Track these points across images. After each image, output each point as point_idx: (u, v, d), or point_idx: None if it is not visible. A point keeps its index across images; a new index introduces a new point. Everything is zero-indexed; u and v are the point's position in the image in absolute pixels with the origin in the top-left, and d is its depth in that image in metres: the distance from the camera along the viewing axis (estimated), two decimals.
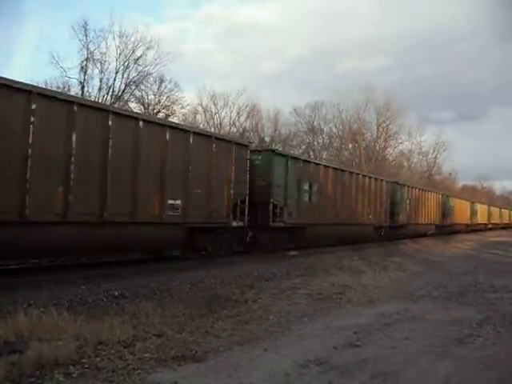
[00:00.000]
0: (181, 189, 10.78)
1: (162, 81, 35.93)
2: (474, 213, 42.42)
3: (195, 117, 44.82)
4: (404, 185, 25.98)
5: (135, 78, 34.71)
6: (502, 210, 62.47)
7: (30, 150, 7.83)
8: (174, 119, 32.83)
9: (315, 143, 52.06)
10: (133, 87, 34.87)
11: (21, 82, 7.90)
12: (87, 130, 8.75)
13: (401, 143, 54.06)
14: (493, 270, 13.40)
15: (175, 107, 37.29)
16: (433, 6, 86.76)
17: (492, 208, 54.12)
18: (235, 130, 46.29)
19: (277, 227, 14.47)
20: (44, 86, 20.43)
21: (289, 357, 4.86)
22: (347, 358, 4.89)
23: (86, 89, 32.70)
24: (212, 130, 41.02)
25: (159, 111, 35.64)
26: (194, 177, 11.10)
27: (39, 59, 63.19)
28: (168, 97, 36.74)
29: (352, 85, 63.65)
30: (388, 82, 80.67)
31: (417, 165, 59.19)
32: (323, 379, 4.27)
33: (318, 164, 17.93)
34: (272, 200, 14.05)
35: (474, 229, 42.36)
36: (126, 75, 34.38)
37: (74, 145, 8.50)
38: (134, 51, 34.36)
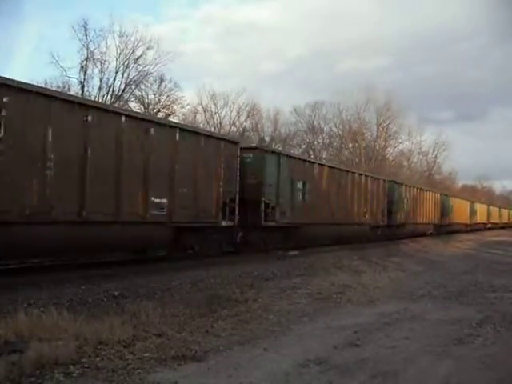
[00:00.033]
0: (166, 187, 10.37)
1: (161, 80, 35.95)
2: (473, 212, 42.36)
3: (195, 116, 44.87)
4: (402, 184, 25.63)
5: (135, 78, 34.74)
6: (502, 209, 62.48)
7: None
8: (174, 119, 32.82)
9: (315, 143, 52.05)
10: (133, 87, 34.89)
11: None
12: (65, 126, 8.29)
13: (401, 143, 54.10)
14: (492, 270, 13.41)
15: (175, 107, 37.32)
16: (433, 5, 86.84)
17: (491, 208, 54.10)
18: (235, 129, 46.29)
19: (269, 227, 14.09)
20: (44, 86, 20.42)
21: (289, 356, 4.87)
22: (347, 357, 4.89)
23: (85, 88, 32.74)
24: (212, 129, 40.99)
25: (159, 111, 35.66)
26: (180, 175, 10.66)
27: (39, 59, 63.41)
28: (168, 96, 36.76)
29: (352, 85, 63.59)
30: (388, 81, 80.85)
31: (417, 164, 59.24)
32: (323, 379, 4.27)
33: (312, 162, 17.45)
34: (264, 199, 13.69)
35: (473, 228, 42.27)
36: (125, 75, 34.41)
37: (50, 140, 8.01)
38: (133, 51, 34.39)
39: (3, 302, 6.25)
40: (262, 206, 13.60)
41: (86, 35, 32.13)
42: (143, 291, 7.79)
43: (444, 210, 32.41)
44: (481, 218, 46.23)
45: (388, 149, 53.01)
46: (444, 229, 32.79)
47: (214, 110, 47.22)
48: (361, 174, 20.84)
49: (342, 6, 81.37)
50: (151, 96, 36.18)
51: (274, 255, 13.94)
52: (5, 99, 7.50)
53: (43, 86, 20.11)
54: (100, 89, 33.54)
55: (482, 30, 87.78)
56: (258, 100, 55.15)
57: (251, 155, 13.90)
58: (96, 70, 33.27)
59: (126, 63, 34.29)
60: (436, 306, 7.91)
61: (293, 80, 77.69)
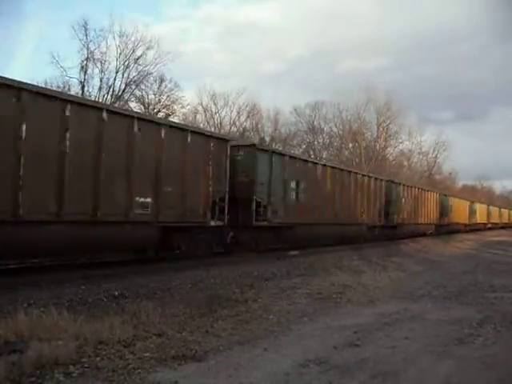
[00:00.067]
0: (151, 186, 10.00)
1: (162, 80, 36.05)
2: (472, 212, 42.26)
3: (195, 116, 44.96)
4: (399, 183, 25.34)
5: (135, 78, 34.83)
6: (502, 209, 62.46)
7: None
8: (174, 119, 32.90)
9: (315, 143, 52.12)
10: (133, 87, 34.99)
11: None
12: (41, 120, 7.95)
13: (401, 143, 54.23)
14: (492, 270, 13.40)
15: (175, 107, 37.44)
16: (433, 5, 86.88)
17: (491, 207, 54.07)
18: (235, 129, 46.33)
19: (260, 226, 13.72)
20: (44, 86, 20.40)
21: (289, 356, 4.86)
22: (347, 357, 4.89)
23: (86, 88, 32.80)
24: (212, 129, 41.03)
25: (159, 111, 35.73)
26: (166, 173, 10.30)
27: (39, 59, 63.32)
28: (168, 96, 36.87)
29: (352, 85, 63.87)
30: (388, 81, 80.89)
31: (417, 164, 59.31)
32: (323, 379, 4.27)
33: (306, 160, 16.99)
34: (255, 197, 13.33)
35: (472, 228, 42.15)
36: (126, 75, 34.50)
37: (24, 135, 7.72)
38: (134, 51, 34.49)
39: (3, 301, 6.25)
40: (254, 204, 13.28)
41: (87, 35, 32.27)
42: (143, 291, 7.80)
43: (443, 210, 32.22)
44: (480, 218, 46.16)
45: (388, 149, 53.15)
46: (443, 229, 32.61)
47: (214, 110, 47.36)
48: (356, 173, 20.50)
49: (342, 6, 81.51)
50: (151, 96, 36.32)
51: (274, 255, 13.93)
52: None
53: (43, 86, 20.07)
54: (100, 89, 33.66)
55: (482, 30, 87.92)
56: (258, 100, 55.46)
57: (242, 153, 13.57)
58: (96, 70, 33.40)
59: (126, 63, 34.41)
60: (436, 305, 7.91)
61: (293, 80, 77.85)
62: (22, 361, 4.13)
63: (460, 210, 37.66)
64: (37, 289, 7.19)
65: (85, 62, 32.50)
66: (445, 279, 11.20)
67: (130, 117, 9.79)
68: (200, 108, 46.48)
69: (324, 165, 18.15)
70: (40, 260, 10.05)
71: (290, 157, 15.71)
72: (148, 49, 34.59)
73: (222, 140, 12.53)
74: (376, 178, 22.33)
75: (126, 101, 34.29)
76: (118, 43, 34.15)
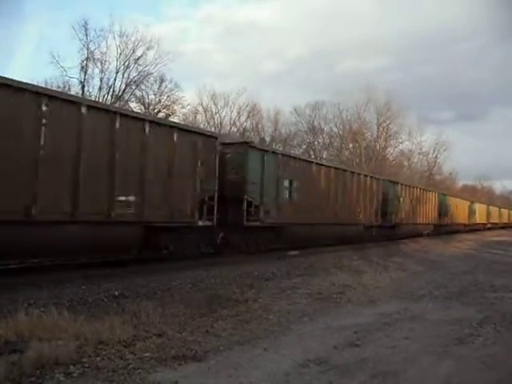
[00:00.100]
0: (135, 184, 9.64)
1: (162, 80, 36.10)
2: (472, 212, 42.14)
3: (195, 116, 45.01)
4: (397, 183, 24.93)
5: (135, 78, 34.89)
6: (502, 209, 62.45)
7: None
8: (174, 119, 32.91)
9: (316, 143, 52.16)
10: (133, 87, 35.05)
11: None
12: (15, 116, 7.67)
13: (401, 143, 54.25)
14: (492, 270, 13.41)
15: (176, 107, 37.49)
16: (433, 5, 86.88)
17: (491, 207, 54.03)
18: (235, 129, 46.37)
19: (252, 226, 13.32)
20: (44, 86, 20.41)
21: (289, 356, 4.86)
22: (347, 357, 4.89)
23: (86, 88, 32.83)
24: (213, 129, 41.02)
25: (160, 111, 35.76)
26: (151, 171, 9.95)
27: (40, 59, 63.37)
28: (168, 96, 36.92)
29: (352, 85, 63.84)
30: (388, 81, 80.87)
31: (417, 164, 59.34)
32: (323, 379, 4.27)
33: (300, 159, 16.55)
34: (246, 197, 12.88)
35: (472, 228, 42.00)
36: (126, 75, 34.56)
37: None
38: (134, 51, 34.56)
39: (3, 301, 6.26)
40: (245, 204, 12.87)
41: (87, 35, 32.34)
42: (143, 291, 7.80)
43: (442, 210, 31.94)
44: (480, 218, 46.05)
45: (388, 149, 53.19)
46: (442, 229, 32.35)
47: (214, 110, 47.40)
48: (353, 173, 20.07)
49: (342, 6, 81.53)
50: (151, 96, 36.38)
51: (274, 255, 13.92)
52: None
53: (43, 85, 20.06)
54: (100, 89, 33.72)
55: (482, 30, 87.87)
56: (258, 100, 55.42)
57: (233, 151, 13.26)
58: (96, 70, 33.47)
59: (126, 63, 34.47)
60: (436, 305, 7.91)
61: (293, 80, 77.86)
62: (22, 361, 4.14)
63: (459, 210, 37.55)
64: (37, 289, 7.20)
65: (85, 62, 32.60)
66: (445, 279, 11.21)
67: (111, 112, 9.45)
68: (200, 108, 46.60)
69: (318, 163, 17.77)
70: (40, 260, 10.05)
71: (283, 155, 15.32)
72: (148, 49, 34.70)
73: (211, 137, 12.11)
74: (372, 177, 21.87)
75: (127, 101, 34.36)
76: (118, 43, 34.26)
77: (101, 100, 30.70)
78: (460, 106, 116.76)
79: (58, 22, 61.37)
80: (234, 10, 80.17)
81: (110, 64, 33.72)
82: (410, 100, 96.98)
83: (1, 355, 4.28)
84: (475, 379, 4.54)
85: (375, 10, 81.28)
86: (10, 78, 7.71)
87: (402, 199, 24.66)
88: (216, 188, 11.78)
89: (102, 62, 33.30)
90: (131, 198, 9.58)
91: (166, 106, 36.78)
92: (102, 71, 33.58)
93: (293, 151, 37.71)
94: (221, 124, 46.72)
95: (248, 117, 48.64)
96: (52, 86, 28.41)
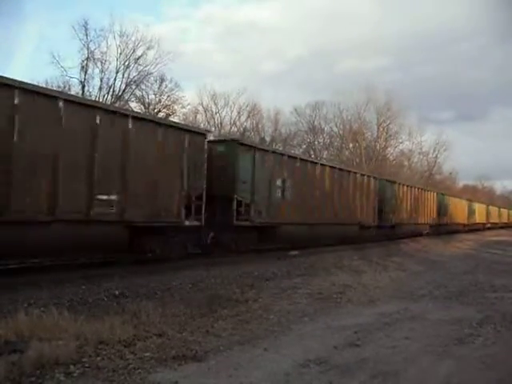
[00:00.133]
0: (117, 182, 9.27)
1: (162, 80, 36.00)
2: (471, 212, 42.07)
3: (196, 116, 44.94)
4: (395, 182, 24.49)
5: (136, 78, 34.83)
6: (501, 209, 62.44)
7: None
8: (174, 118, 32.88)
9: (316, 143, 52.12)
10: (133, 87, 34.98)
11: None
12: None
13: (401, 143, 54.17)
14: (492, 270, 13.42)
15: (176, 107, 37.40)
16: (433, 5, 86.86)
17: (491, 207, 54.00)
18: (236, 129, 46.34)
19: (242, 226, 12.92)
20: (44, 86, 20.35)
21: (289, 356, 4.87)
22: (347, 357, 4.89)
23: (86, 88, 32.82)
24: (213, 129, 41.04)
25: (160, 111, 35.70)
26: (134, 169, 9.56)
27: (40, 59, 63.17)
28: (168, 96, 36.83)
29: (352, 85, 63.98)
30: (388, 81, 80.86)
31: (417, 164, 59.27)
32: (323, 379, 4.27)
33: (293, 157, 15.92)
34: (236, 196, 12.49)
35: (471, 228, 41.87)
36: (126, 75, 34.50)
37: None
38: (134, 51, 34.48)
39: (3, 301, 6.26)
40: (235, 203, 12.47)
41: (87, 35, 32.27)
42: (143, 291, 7.80)
43: (441, 210, 31.76)
44: (479, 217, 45.96)
45: (388, 149, 53.15)
46: (441, 229, 32.13)
47: (214, 110, 47.36)
48: (349, 171, 19.75)
49: (342, 6, 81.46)
50: (152, 96, 36.29)
51: (275, 255, 13.92)
52: None
53: (44, 85, 20.03)
54: (100, 89, 33.67)
55: (482, 30, 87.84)
56: (258, 100, 55.37)
57: (223, 148, 12.87)
58: (96, 70, 33.41)
59: (126, 63, 34.41)
60: (436, 305, 7.91)
61: (293, 80, 77.84)
62: (22, 361, 4.14)
63: (459, 210, 37.45)
64: (37, 289, 7.19)
65: (85, 61, 32.53)
66: (445, 279, 11.21)
67: (91, 107, 9.07)
68: (200, 108, 46.53)
69: (313, 162, 17.40)
70: (40, 260, 10.05)
71: (275, 153, 14.91)
72: (148, 49, 34.63)
73: (199, 134, 11.68)
74: (369, 176, 21.52)
75: (127, 101, 34.32)
76: (118, 43, 34.19)
77: (101, 100, 30.69)
78: (460, 106, 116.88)
79: (58, 21, 61.38)
80: (234, 9, 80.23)
81: (110, 64, 33.70)
82: (410, 100, 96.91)
83: (1, 355, 4.28)
84: (475, 379, 4.55)
85: (375, 10, 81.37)
86: None
87: (399, 199, 24.35)
88: (204, 186, 11.38)
89: (102, 62, 33.29)
90: (113, 197, 9.22)
91: (166, 105, 36.75)
92: (102, 71, 33.56)
93: (293, 151, 37.66)
94: (221, 124, 46.77)
95: (248, 117, 48.66)
96: (52, 86, 28.39)
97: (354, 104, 49.89)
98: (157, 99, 36.45)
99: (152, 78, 35.37)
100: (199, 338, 5.39)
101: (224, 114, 47.47)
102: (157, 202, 10.18)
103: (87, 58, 32.55)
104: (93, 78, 33.51)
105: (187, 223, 10.99)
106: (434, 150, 59.20)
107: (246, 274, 10.13)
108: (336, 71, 76.25)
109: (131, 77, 34.59)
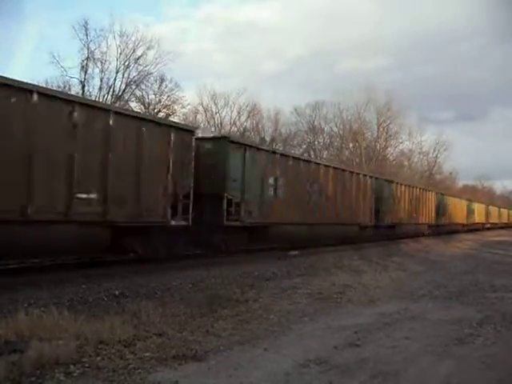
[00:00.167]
0: (98, 180, 8.90)
1: (162, 80, 36.09)
2: (470, 212, 41.95)
3: (196, 116, 44.99)
4: (392, 181, 24.23)
5: (136, 78, 34.92)
6: (501, 209, 62.38)
7: None
8: (174, 118, 32.88)
9: (316, 143, 52.17)
10: (133, 87, 35.07)
11: None
12: None
13: (401, 143, 54.30)
14: (493, 270, 13.41)
15: (176, 107, 37.46)
16: (433, 5, 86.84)
17: (490, 207, 53.92)
18: (236, 129, 46.36)
19: (232, 226, 12.56)
20: (45, 86, 20.30)
21: (289, 356, 4.86)
22: (347, 357, 4.89)
23: (86, 88, 32.85)
24: (213, 129, 41.05)
25: (160, 110, 35.73)
26: (116, 166, 9.17)
27: (40, 59, 63.27)
28: (168, 96, 36.92)
29: (352, 85, 63.97)
30: (388, 81, 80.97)
31: (417, 164, 59.37)
32: (323, 379, 4.27)
33: (285, 155, 15.54)
34: (226, 195, 12.11)
35: (470, 228, 41.69)
36: (126, 75, 34.59)
37: None
38: (134, 51, 34.58)
39: (3, 301, 6.26)
40: (225, 203, 12.05)
41: (87, 35, 32.38)
42: (143, 291, 7.80)
43: (440, 210, 31.57)
44: (479, 217, 45.76)
45: (388, 149, 53.25)
46: (439, 229, 31.99)
47: (214, 110, 47.42)
48: (344, 170, 19.36)
49: (342, 6, 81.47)
50: (152, 96, 36.38)
51: (275, 255, 13.92)
52: None
53: (44, 85, 20.02)
54: (100, 89, 33.75)
55: (482, 30, 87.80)
56: (258, 100, 55.28)
57: (212, 146, 12.59)
58: (96, 70, 33.50)
59: (126, 63, 34.50)
60: (437, 305, 7.91)
61: (293, 80, 77.87)
62: (22, 360, 4.13)
63: (457, 210, 37.29)
64: (37, 288, 7.19)
65: (85, 61, 32.63)
66: (445, 279, 11.20)
67: (69, 101, 8.59)
68: (200, 108, 46.61)
69: (307, 160, 17.08)
70: (40, 260, 10.04)
71: (267, 151, 14.50)
72: (148, 49, 34.72)
73: (186, 131, 11.28)
74: (365, 175, 21.23)
75: (127, 101, 34.37)
76: (118, 43, 34.29)
77: (101, 100, 30.69)
78: (460, 106, 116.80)
79: (58, 21, 61.50)
80: (234, 9, 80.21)
81: (110, 64, 33.80)
82: (410, 100, 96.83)
83: (1, 355, 4.28)
84: (475, 379, 4.54)
85: (375, 10, 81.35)
86: None
87: (397, 199, 24.01)
88: (192, 185, 10.97)
89: (102, 62, 33.38)
90: (93, 196, 8.83)
91: (166, 105, 36.82)
92: (102, 71, 33.65)
93: (293, 151, 37.68)
94: (221, 124, 46.81)
95: (248, 117, 48.73)
96: (52, 86, 28.40)
97: (354, 104, 50.06)
98: (157, 99, 36.55)
99: (152, 78, 35.50)
100: (199, 337, 5.39)
101: (224, 114, 47.60)
102: (140, 201, 9.79)
103: (87, 58, 32.67)
104: (93, 77, 33.65)
105: (173, 223, 10.59)
106: (434, 150, 59.39)
107: (246, 274, 10.12)
108: (336, 71, 76.37)
109: (131, 77, 34.71)
